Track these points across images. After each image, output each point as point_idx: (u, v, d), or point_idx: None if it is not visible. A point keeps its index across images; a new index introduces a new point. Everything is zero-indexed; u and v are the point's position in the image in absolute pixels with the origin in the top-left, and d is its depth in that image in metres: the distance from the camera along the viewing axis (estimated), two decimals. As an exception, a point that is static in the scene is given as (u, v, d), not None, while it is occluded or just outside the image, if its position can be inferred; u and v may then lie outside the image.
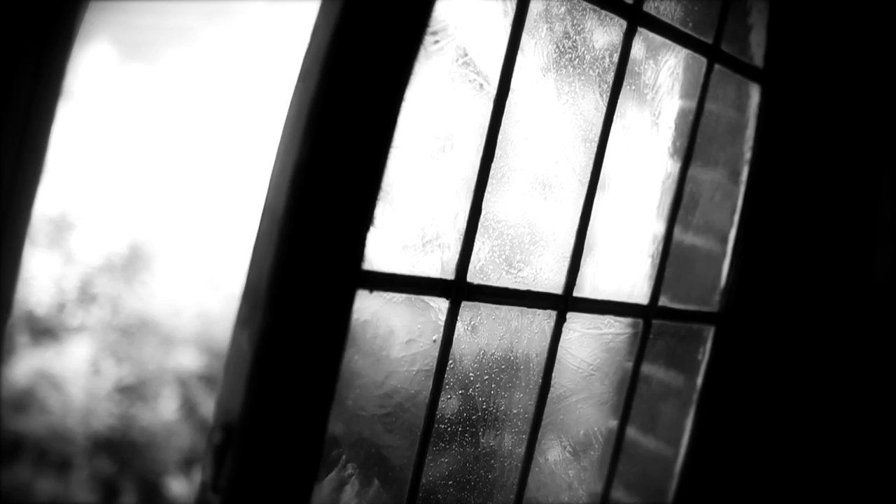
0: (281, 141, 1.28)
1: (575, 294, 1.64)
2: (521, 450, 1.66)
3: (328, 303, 1.32)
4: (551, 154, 1.60)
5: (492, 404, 1.61)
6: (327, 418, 1.35)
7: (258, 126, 8.05)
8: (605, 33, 1.62)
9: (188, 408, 5.55)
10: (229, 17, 8.91)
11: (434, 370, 1.48)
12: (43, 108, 1.28)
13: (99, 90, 6.44)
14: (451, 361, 1.51)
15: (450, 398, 1.54)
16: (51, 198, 5.80)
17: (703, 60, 1.82)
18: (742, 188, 1.96)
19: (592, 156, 1.64)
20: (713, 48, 1.82)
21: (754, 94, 1.94)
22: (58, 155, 5.91)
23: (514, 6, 1.50)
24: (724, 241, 1.96)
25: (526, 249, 1.58)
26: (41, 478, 5.07)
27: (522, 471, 1.66)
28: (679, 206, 1.84)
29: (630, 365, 1.82)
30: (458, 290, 1.48)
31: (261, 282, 1.27)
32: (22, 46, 1.21)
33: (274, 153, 1.30)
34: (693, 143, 1.83)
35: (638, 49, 1.67)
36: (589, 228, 1.64)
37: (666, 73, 1.78)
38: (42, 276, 5.60)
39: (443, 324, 1.48)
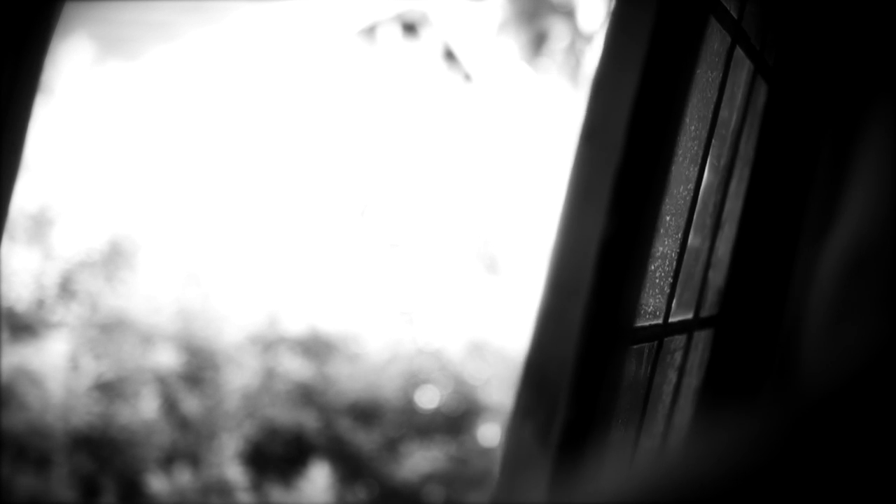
0: (567, 210, 1.13)
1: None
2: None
3: (618, 378, 1.24)
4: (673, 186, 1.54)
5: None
6: None
7: (240, 123, 8.03)
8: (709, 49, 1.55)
9: (168, 405, 5.53)
10: (211, 13, 8.88)
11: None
12: (20, 104, 1.27)
13: (79, 86, 6.42)
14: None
15: None
16: (31, 193, 5.78)
17: (750, 67, 1.75)
18: (743, 188, 1.95)
19: (692, 184, 1.57)
20: (759, 54, 1.77)
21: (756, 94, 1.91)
22: (38, 151, 5.89)
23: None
24: (717, 241, 1.96)
25: (649, 283, 1.54)
26: (20, 474, 5.05)
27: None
28: (721, 221, 1.79)
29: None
30: (630, 335, 1.39)
31: (554, 367, 1.14)
32: (-1, 42, 1.20)
33: (557, 222, 1.15)
34: (735, 155, 1.77)
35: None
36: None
37: (715, 84, 1.71)
38: (21, 272, 5.58)
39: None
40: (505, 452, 1.16)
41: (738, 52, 1.62)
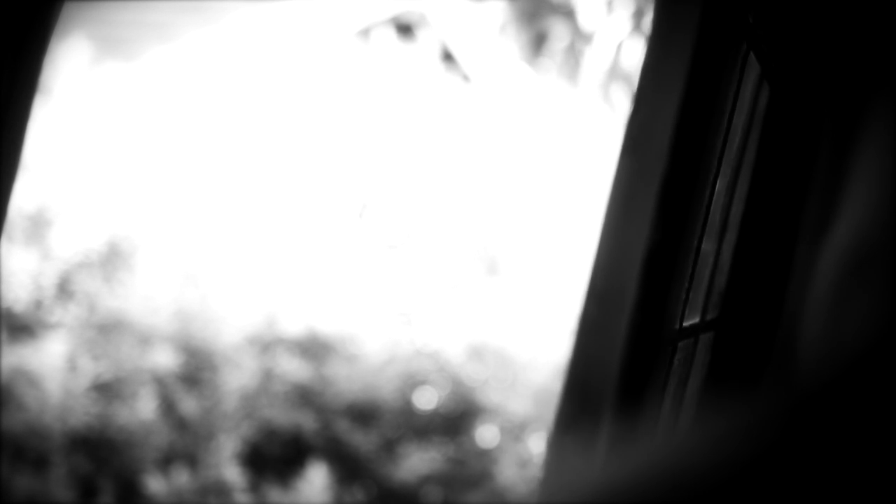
0: (609, 221, 1.13)
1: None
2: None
3: (658, 386, 1.22)
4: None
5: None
6: None
7: (238, 124, 8.02)
8: None
9: (166, 406, 5.53)
10: (209, 13, 8.88)
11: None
12: (19, 105, 1.26)
13: (77, 87, 6.41)
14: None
15: None
16: (29, 194, 5.78)
17: (759, 70, 1.73)
18: (743, 190, 1.94)
19: (708, 189, 1.57)
20: (766, 56, 1.75)
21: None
22: (36, 151, 5.88)
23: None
24: (723, 245, 1.95)
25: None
26: (18, 475, 5.04)
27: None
28: (727, 225, 1.79)
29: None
30: (670, 344, 1.39)
31: (597, 378, 1.13)
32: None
33: (599, 233, 1.14)
34: (742, 159, 1.77)
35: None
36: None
37: (730, 90, 1.70)
38: (19, 273, 5.57)
39: None
40: (547, 462, 1.15)
41: (751, 57, 1.62)
